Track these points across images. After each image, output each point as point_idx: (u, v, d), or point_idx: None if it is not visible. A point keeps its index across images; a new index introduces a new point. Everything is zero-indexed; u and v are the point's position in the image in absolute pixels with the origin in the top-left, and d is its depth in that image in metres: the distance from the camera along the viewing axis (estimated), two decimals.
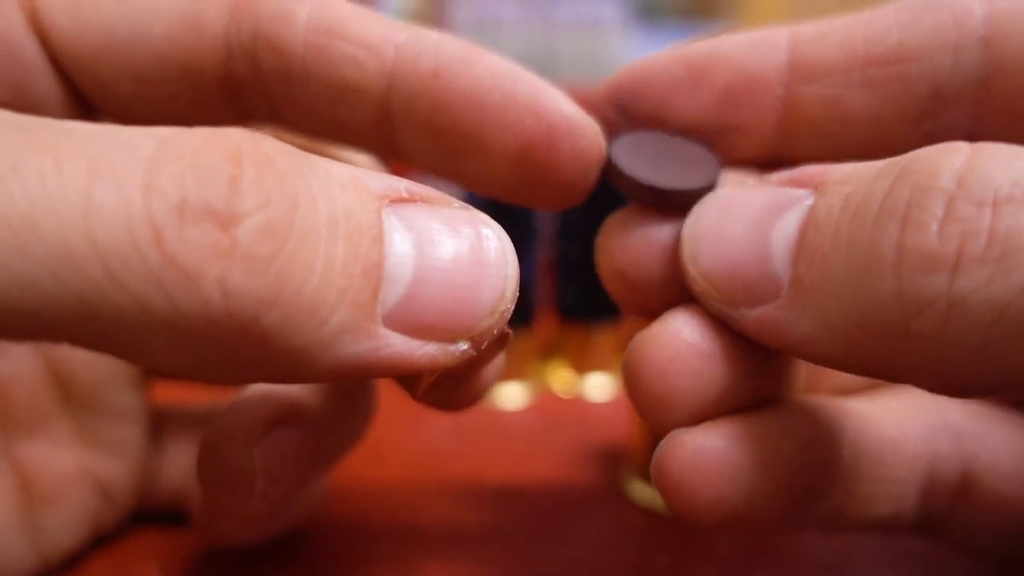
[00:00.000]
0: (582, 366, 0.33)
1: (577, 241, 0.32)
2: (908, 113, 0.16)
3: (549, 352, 0.34)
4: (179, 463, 0.22)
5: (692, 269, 0.15)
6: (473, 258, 0.13)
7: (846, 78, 0.16)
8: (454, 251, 0.13)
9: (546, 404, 0.32)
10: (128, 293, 0.11)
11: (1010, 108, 0.16)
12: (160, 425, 0.22)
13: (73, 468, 0.20)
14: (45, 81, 0.17)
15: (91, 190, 0.11)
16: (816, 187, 0.14)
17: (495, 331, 0.14)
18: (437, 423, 0.30)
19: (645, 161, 0.17)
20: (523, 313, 0.32)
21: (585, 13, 0.49)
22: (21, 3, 0.17)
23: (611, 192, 0.18)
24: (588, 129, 0.16)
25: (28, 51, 0.17)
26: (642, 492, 0.25)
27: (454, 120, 0.16)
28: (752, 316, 0.14)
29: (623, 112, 0.18)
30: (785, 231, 0.14)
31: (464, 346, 0.13)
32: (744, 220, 0.14)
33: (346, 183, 0.13)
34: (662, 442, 0.15)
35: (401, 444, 0.28)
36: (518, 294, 0.14)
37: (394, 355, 0.13)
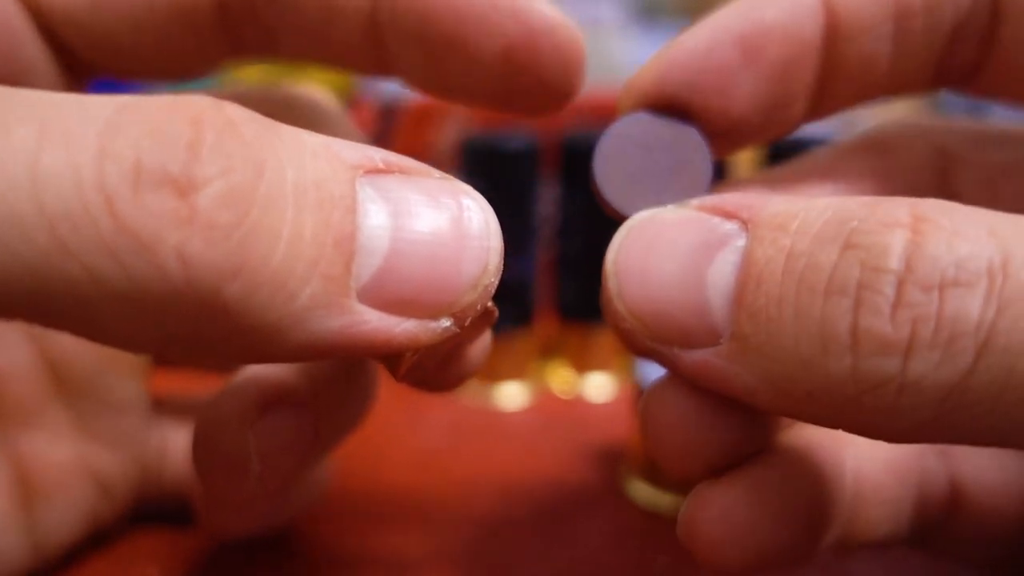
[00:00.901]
0: (582, 366, 0.33)
1: (577, 239, 0.32)
2: (928, 60, 0.17)
3: (549, 352, 0.34)
4: (181, 454, 0.22)
5: (619, 306, 0.14)
6: (454, 230, 0.13)
7: (880, 32, 0.16)
8: (433, 222, 0.12)
9: (546, 404, 0.32)
10: (78, 262, 0.11)
11: (1014, 56, 0.16)
12: (161, 415, 0.22)
13: (70, 460, 0.20)
14: (32, 46, 0.17)
15: (40, 154, 0.11)
16: (746, 223, 0.13)
17: (479, 307, 0.13)
18: (437, 422, 0.30)
19: (625, 173, 0.17)
20: (523, 313, 0.32)
21: (585, 13, 0.50)
22: None
23: None
24: (568, 30, 0.17)
25: (13, 16, 0.16)
26: (642, 492, 0.25)
27: (439, 29, 0.16)
28: (688, 359, 0.14)
29: (677, 107, 0.17)
30: (721, 275, 0.13)
31: (446, 323, 0.13)
32: (673, 256, 0.14)
33: (317, 151, 0.12)
34: (687, 500, 0.15)
35: (401, 444, 0.28)
36: (502, 268, 0.13)
37: (371, 332, 0.12)
